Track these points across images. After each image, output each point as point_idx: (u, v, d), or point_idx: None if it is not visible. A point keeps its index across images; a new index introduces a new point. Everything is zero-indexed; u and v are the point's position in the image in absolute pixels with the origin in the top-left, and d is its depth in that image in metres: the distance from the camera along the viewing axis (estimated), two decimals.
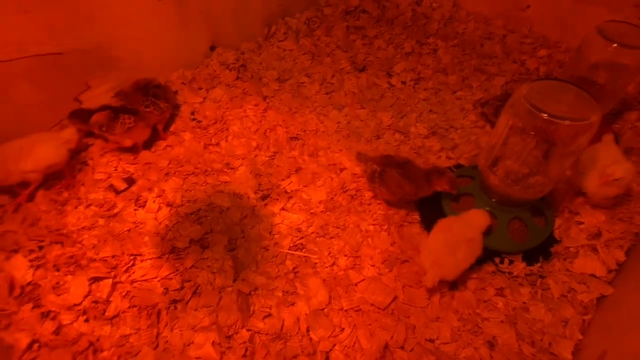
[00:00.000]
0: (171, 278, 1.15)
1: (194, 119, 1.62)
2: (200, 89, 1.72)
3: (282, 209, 1.35)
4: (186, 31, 1.70)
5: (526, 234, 1.23)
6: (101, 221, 1.27)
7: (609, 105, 1.44)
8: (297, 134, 1.58)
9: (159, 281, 1.15)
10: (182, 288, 1.14)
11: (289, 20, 2.07)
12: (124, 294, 1.12)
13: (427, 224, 1.26)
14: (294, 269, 1.20)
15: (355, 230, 1.30)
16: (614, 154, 1.24)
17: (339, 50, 1.98)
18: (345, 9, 2.20)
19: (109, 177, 1.39)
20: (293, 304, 1.13)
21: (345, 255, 1.24)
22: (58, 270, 1.16)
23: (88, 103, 1.51)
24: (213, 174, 1.43)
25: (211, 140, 1.54)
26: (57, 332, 1.05)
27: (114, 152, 1.46)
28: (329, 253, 1.24)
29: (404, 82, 1.83)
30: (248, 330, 1.07)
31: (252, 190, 1.38)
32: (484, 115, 1.65)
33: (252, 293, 1.14)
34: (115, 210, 1.30)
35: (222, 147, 1.52)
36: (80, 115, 1.41)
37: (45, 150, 1.27)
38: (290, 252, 1.24)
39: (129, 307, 1.10)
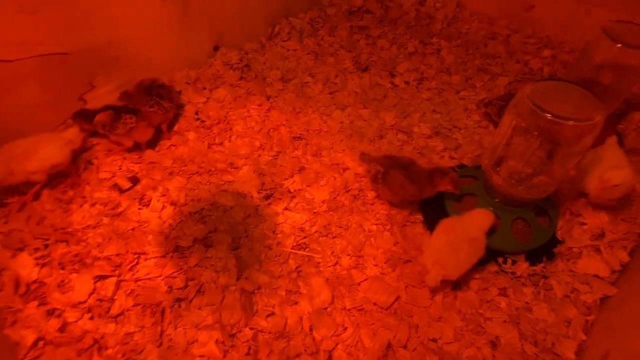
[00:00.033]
0: (175, 277, 1.16)
1: (197, 119, 1.63)
2: (204, 88, 1.73)
3: (285, 208, 1.35)
4: (190, 31, 1.71)
5: (529, 234, 1.23)
6: (106, 220, 1.28)
7: (613, 105, 1.44)
8: (301, 134, 1.59)
9: (163, 280, 1.16)
10: (186, 286, 1.15)
11: (293, 20, 2.08)
12: (128, 292, 1.13)
13: (430, 224, 1.26)
14: (297, 268, 1.21)
15: (358, 230, 1.30)
16: (616, 158, 1.23)
17: (343, 50, 1.98)
18: (348, 9, 2.20)
19: (113, 176, 1.40)
20: (296, 303, 1.13)
21: (348, 255, 1.24)
22: (63, 268, 1.17)
23: (92, 103, 1.52)
24: (217, 173, 1.44)
25: (215, 139, 1.55)
26: (62, 329, 1.06)
27: (118, 152, 1.47)
28: (332, 252, 1.25)
29: (407, 82, 1.83)
30: (251, 328, 1.08)
31: (255, 189, 1.38)
32: (487, 115, 1.65)
33: (256, 292, 1.15)
34: (120, 209, 1.31)
35: (226, 147, 1.53)
36: (85, 115, 1.42)
37: (49, 151, 1.28)
38: (293, 251, 1.24)
39: (133, 305, 1.11)
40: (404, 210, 1.35)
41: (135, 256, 1.20)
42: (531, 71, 1.89)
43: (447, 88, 1.81)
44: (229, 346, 1.04)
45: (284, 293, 1.15)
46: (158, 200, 1.33)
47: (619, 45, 1.29)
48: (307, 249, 1.25)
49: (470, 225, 1.14)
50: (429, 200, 1.29)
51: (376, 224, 1.32)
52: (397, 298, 1.15)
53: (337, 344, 1.07)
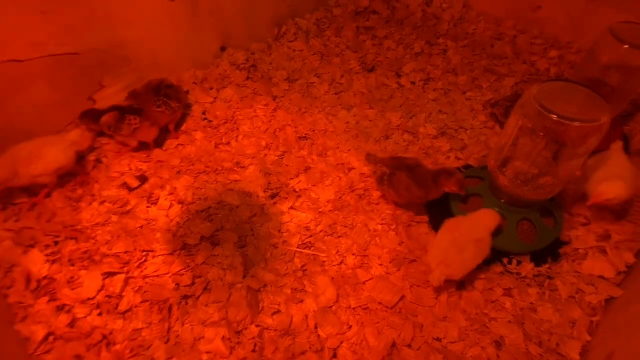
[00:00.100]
0: (182, 274, 1.18)
1: (205, 119, 1.64)
2: (211, 88, 1.75)
3: (291, 207, 1.36)
4: (197, 32, 1.72)
5: (535, 234, 1.23)
6: (114, 217, 1.30)
7: (620, 106, 1.43)
8: (306, 134, 1.60)
9: (170, 277, 1.17)
10: (192, 284, 1.16)
11: (299, 20, 2.09)
12: (136, 288, 1.15)
13: (435, 224, 1.27)
14: (302, 266, 1.22)
15: (363, 229, 1.31)
16: (616, 166, 1.21)
17: (349, 50, 1.99)
18: (355, 9, 2.20)
19: (122, 175, 1.42)
20: (301, 301, 1.15)
21: (353, 254, 1.25)
22: (72, 265, 1.18)
23: (102, 102, 1.54)
24: (223, 172, 1.45)
25: (222, 139, 1.57)
26: (71, 325, 1.08)
27: (126, 152, 1.49)
28: (337, 252, 1.25)
29: (413, 83, 1.84)
30: (257, 326, 1.09)
31: (261, 188, 1.40)
32: (493, 116, 1.65)
33: (261, 289, 1.16)
34: (128, 207, 1.33)
35: (232, 146, 1.54)
36: (92, 116, 1.44)
37: (52, 154, 1.28)
38: (298, 250, 1.25)
39: (141, 302, 1.12)
40: (409, 210, 1.36)
41: (143, 253, 1.21)
42: (538, 72, 1.89)
43: (453, 88, 1.81)
44: (235, 343, 1.06)
45: (289, 291, 1.16)
46: (166, 199, 1.35)
47: (626, 46, 1.29)
48: (312, 248, 1.26)
49: (476, 226, 1.14)
50: (435, 201, 1.30)
51: (381, 224, 1.33)
52: (402, 297, 1.16)
53: (341, 342, 1.08)
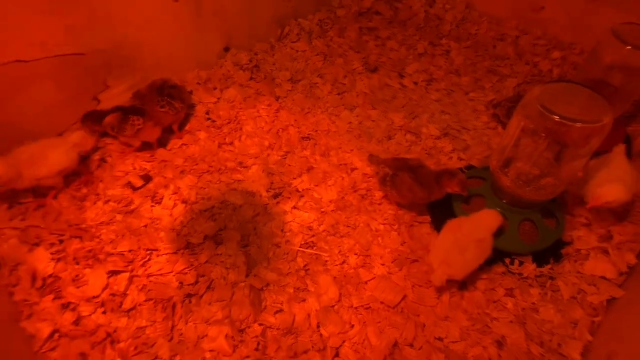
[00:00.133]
0: (186, 273, 1.19)
1: (208, 119, 1.65)
2: (215, 89, 1.76)
3: (294, 207, 1.37)
4: (201, 32, 1.73)
5: (537, 235, 1.23)
6: (119, 217, 1.31)
7: (622, 107, 1.43)
8: (309, 134, 1.61)
9: (174, 275, 1.18)
10: (196, 282, 1.17)
11: (302, 21, 2.09)
12: (140, 287, 1.16)
13: (438, 225, 1.27)
14: (305, 266, 1.23)
15: (365, 229, 1.31)
16: (617, 169, 1.21)
17: (352, 51, 1.99)
18: (358, 10, 2.21)
19: (126, 174, 1.43)
20: (304, 300, 1.15)
21: (356, 254, 1.25)
22: (77, 263, 1.20)
23: (106, 102, 1.56)
24: (227, 172, 1.46)
25: (225, 139, 1.58)
26: (76, 322, 1.09)
27: (129, 152, 1.50)
28: (340, 251, 1.26)
29: (416, 83, 1.84)
30: (260, 324, 1.10)
31: (264, 188, 1.40)
32: (496, 117, 1.66)
33: (264, 289, 1.17)
34: (133, 207, 1.34)
35: (236, 146, 1.55)
36: (94, 118, 1.44)
37: (56, 156, 1.29)
38: (301, 249, 1.26)
39: (145, 300, 1.13)
40: (411, 210, 1.37)
41: (148, 252, 1.23)
42: (540, 73, 1.89)
43: (456, 89, 1.82)
44: (238, 341, 1.06)
45: (292, 290, 1.17)
46: (170, 198, 1.36)
47: (629, 47, 1.29)
48: (314, 248, 1.27)
49: (478, 226, 1.14)
50: (437, 201, 1.30)
51: (384, 224, 1.33)
52: (404, 297, 1.16)
53: (344, 341, 1.08)
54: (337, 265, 1.23)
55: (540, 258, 1.22)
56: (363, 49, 2.00)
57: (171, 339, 1.08)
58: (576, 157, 1.10)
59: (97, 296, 1.13)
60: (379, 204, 1.39)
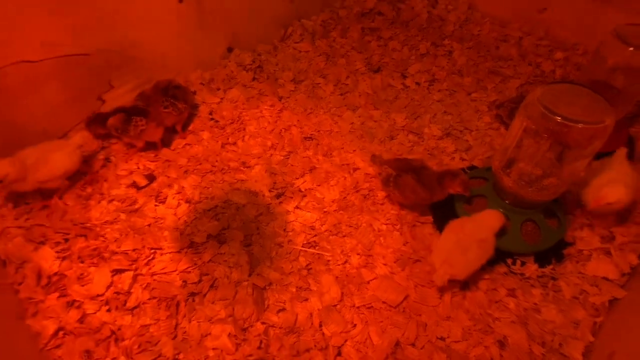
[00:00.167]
0: (189, 271, 1.20)
1: (212, 119, 1.66)
2: (218, 89, 1.77)
3: (296, 207, 1.38)
4: (205, 33, 1.74)
5: (539, 235, 1.23)
6: (123, 216, 1.32)
7: (625, 108, 1.43)
8: (312, 134, 1.61)
9: (177, 274, 1.19)
10: (200, 281, 1.18)
11: (305, 22, 2.10)
12: (144, 285, 1.17)
13: (440, 225, 1.28)
14: (307, 265, 1.23)
15: (367, 229, 1.32)
16: (619, 171, 1.21)
17: (354, 51, 2.00)
18: (360, 11, 2.22)
19: (130, 174, 1.44)
20: (306, 300, 1.16)
21: (358, 254, 1.26)
22: (82, 261, 1.21)
23: (111, 102, 1.57)
24: (230, 172, 1.47)
25: (228, 139, 1.59)
26: (81, 320, 1.10)
27: (133, 153, 1.51)
28: (342, 251, 1.27)
29: (418, 84, 1.85)
30: (263, 323, 1.11)
31: (267, 188, 1.41)
32: (498, 117, 1.66)
33: (267, 288, 1.18)
34: (137, 206, 1.35)
35: (239, 147, 1.56)
36: (98, 121, 1.46)
37: (59, 159, 1.29)
38: (303, 249, 1.27)
39: (149, 299, 1.14)
40: (414, 210, 1.37)
41: (152, 251, 1.24)
42: (543, 73, 1.89)
43: (459, 90, 1.82)
44: (241, 340, 1.07)
45: (294, 289, 1.18)
46: (173, 198, 1.37)
47: (631, 48, 1.29)
48: (317, 247, 1.28)
49: (480, 226, 1.14)
50: (439, 202, 1.30)
51: (386, 224, 1.34)
52: (406, 297, 1.17)
53: (346, 340, 1.09)
54: (339, 264, 1.24)
55: (543, 258, 1.22)
56: (365, 50, 2.01)
57: (175, 337, 1.08)
58: (578, 157, 1.10)
59: (102, 294, 1.14)
60: (382, 204, 1.39)
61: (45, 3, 1.28)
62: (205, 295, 1.16)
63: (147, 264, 1.21)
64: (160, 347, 1.06)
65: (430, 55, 2.00)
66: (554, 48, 1.99)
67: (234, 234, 1.28)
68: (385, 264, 1.24)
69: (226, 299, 1.14)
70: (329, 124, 1.65)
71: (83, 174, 1.41)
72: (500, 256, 1.20)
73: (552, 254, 1.23)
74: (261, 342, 1.07)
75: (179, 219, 1.32)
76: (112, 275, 1.17)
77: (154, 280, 1.18)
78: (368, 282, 1.20)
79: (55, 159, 1.29)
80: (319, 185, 1.44)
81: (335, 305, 1.15)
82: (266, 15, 1.93)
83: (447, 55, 2.00)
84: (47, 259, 1.19)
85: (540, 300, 1.16)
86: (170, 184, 1.42)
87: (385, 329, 1.11)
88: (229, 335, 1.07)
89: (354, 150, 1.55)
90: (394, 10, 2.24)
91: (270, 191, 1.41)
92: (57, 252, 1.21)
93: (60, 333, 1.08)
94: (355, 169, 1.49)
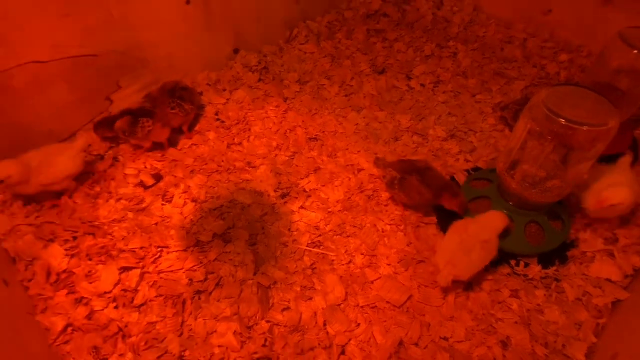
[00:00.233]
0: (195, 270, 1.21)
1: (217, 119, 1.68)
2: (224, 90, 1.78)
3: (301, 207, 1.39)
4: (211, 34, 1.76)
5: (542, 237, 1.24)
6: (130, 214, 1.34)
7: (630, 110, 1.43)
8: (316, 135, 1.63)
9: (184, 272, 1.21)
10: (205, 279, 1.19)
11: (310, 23, 2.12)
12: (151, 283, 1.18)
13: (444, 226, 1.28)
14: (311, 265, 1.24)
15: (371, 229, 1.33)
16: (621, 175, 1.21)
17: (359, 53, 2.01)
18: (366, 12, 2.23)
19: (138, 173, 1.46)
20: (310, 299, 1.17)
21: (362, 254, 1.27)
22: (90, 259, 1.23)
23: (119, 102, 1.59)
24: (235, 172, 1.49)
25: (234, 139, 1.60)
26: (89, 317, 1.12)
27: (140, 154, 1.53)
28: (346, 251, 1.28)
29: (423, 85, 1.85)
30: (267, 321, 1.12)
31: (272, 188, 1.43)
32: (503, 119, 1.66)
33: (272, 286, 1.19)
34: (144, 205, 1.37)
35: (244, 147, 1.58)
36: (105, 125, 1.47)
37: (61, 162, 1.30)
38: (308, 248, 1.28)
39: (156, 296, 1.16)
40: (418, 211, 1.38)
41: (158, 249, 1.25)
42: (548, 75, 1.89)
43: (463, 91, 1.83)
44: (246, 337, 1.09)
45: (298, 288, 1.19)
46: (180, 197, 1.39)
47: (635, 51, 1.29)
48: (321, 247, 1.29)
49: (484, 227, 1.15)
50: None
51: (390, 224, 1.35)
52: (410, 297, 1.18)
53: (350, 339, 1.10)
54: (343, 264, 1.25)
55: (546, 260, 1.23)
56: (370, 51, 2.02)
57: (181, 334, 1.10)
58: (582, 159, 1.10)
59: (109, 291, 1.16)
60: (386, 204, 1.40)
61: (55, 5, 1.30)
62: (210, 293, 1.17)
63: (153, 262, 1.23)
64: (167, 344, 1.07)
65: (435, 56, 2.00)
66: (558, 50, 1.99)
67: (239, 233, 1.30)
68: (389, 264, 1.25)
69: (231, 297, 1.16)
70: (334, 124, 1.66)
71: (91, 173, 1.43)
72: (503, 257, 1.21)
73: (555, 255, 1.24)
74: (266, 340, 1.09)
75: (185, 217, 1.34)
76: (120, 273, 1.19)
77: (161, 278, 1.20)
78: (372, 282, 1.21)
79: (58, 162, 1.30)
80: (323, 186, 1.45)
81: (339, 305, 1.16)
82: (272, 16, 1.95)
83: (451, 56, 2.01)
84: (56, 257, 1.21)
85: (543, 301, 1.16)
86: (177, 183, 1.43)
87: (389, 328, 1.12)
88: (234, 332, 1.08)
89: (359, 151, 1.56)
90: (399, 12, 2.25)
91: (275, 191, 1.42)
92: (66, 249, 1.23)
93: (69, 329, 1.10)
94: (359, 170, 1.50)
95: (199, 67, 1.81)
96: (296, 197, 1.41)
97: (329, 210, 1.38)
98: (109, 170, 1.47)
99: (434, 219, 1.36)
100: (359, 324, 1.13)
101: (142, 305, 1.15)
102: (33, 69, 1.35)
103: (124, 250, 1.24)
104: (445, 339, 1.11)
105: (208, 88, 1.78)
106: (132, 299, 1.15)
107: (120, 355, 1.06)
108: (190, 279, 1.19)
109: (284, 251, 1.27)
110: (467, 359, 1.07)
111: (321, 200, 1.41)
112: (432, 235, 1.32)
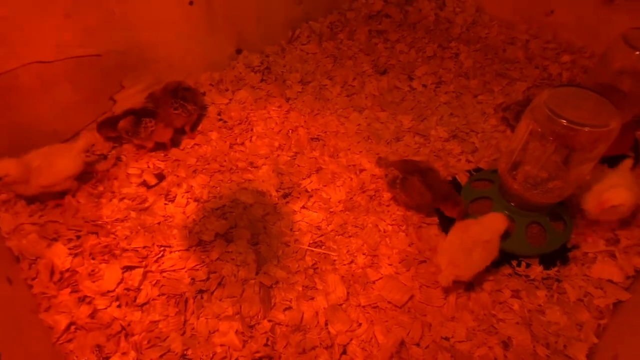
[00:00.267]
0: (198, 269, 1.22)
1: (220, 119, 1.68)
2: (227, 90, 1.79)
3: (303, 207, 1.39)
4: (214, 35, 1.77)
5: (544, 238, 1.24)
6: (133, 214, 1.34)
7: (632, 112, 1.43)
8: (318, 135, 1.63)
9: (186, 272, 1.21)
10: (207, 279, 1.20)
11: (313, 24, 2.12)
12: (153, 282, 1.19)
13: (445, 226, 1.29)
14: (313, 265, 1.25)
15: (373, 229, 1.33)
16: (621, 178, 1.21)
17: (361, 53, 2.01)
18: (368, 13, 2.23)
19: (141, 173, 1.46)
20: (312, 298, 1.18)
21: (364, 254, 1.27)
22: (94, 258, 1.23)
23: (122, 102, 1.60)
24: (238, 172, 1.49)
25: (236, 139, 1.61)
26: (92, 315, 1.13)
27: (143, 154, 1.53)
28: (348, 251, 1.28)
29: (425, 86, 1.86)
30: (269, 321, 1.13)
31: (274, 188, 1.43)
32: (505, 120, 1.66)
33: (274, 286, 1.20)
34: (147, 204, 1.38)
35: (247, 147, 1.58)
36: (109, 125, 1.48)
37: (61, 163, 1.30)
38: (310, 248, 1.28)
39: (159, 295, 1.17)
40: (419, 212, 1.38)
41: (161, 249, 1.26)
42: (550, 76, 1.89)
43: (465, 92, 1.83)
44: (248, 337, 1.09)
45: (300, 288, 1.19)
46: (182, 197, 1.40)
47: (638, 52, 1.29)
48: (323, 247, 1.29)
49: (485, 228, 1.15)
50: None
51: (391, 225, 1.35)
52: (411, 297, 1.18)
53: (351, 339, 1.10)
54: (345, 264, 1.25)
55: (548, 261, 1.23)
56: (373, 52, 2.02)
57: (183, 333, 1.11)
58: (584, 161, 1.10)
59: (112, 290, 1.17)
60: (387, 205, 1.41)
61: (60, 5, 1.31)
62: (213, 292, 1.18)
63: (156, 261, 1.24)
64: (169, 343, 1.08)
65: (437, 57, 2.01)
66: (561, 51, 1.99)
67: (242, 232, 1.30)
68: (390, 264, 1.25)
69: (233, 296, 1.16)
70: (336, 125, 1.67)
71: (94, 173, 1.44)
72: (505, 258, 1.21)
73: (557, 256, 1.24)
74: (268, 339, 1.09)
75: (188, 217, 1.35)
76: (123, 272, 1.19)
77: (163, 277, 1.20)
78: (373, 282, 1.22)
79: (58, 163, 1.30)
80: (325, 186, 1.45)
81: (340, 305, 1.17)
82: (274, 17, 1.95)
83: (454, 57, 2.01)
84: (60, 256, 1.21)
85: (544, 302, 1.17)
86: (180, 183, 1.44)
87: (391, 328, 1.12)
88: (236, 332, 1.09)
89: (360, 152, 1.56)
90: (401, 13, 2.25)
91: (277, 191, 1.43)
92: (69, 248, 1.24)
93: (72, 328, 1.11)
94: (361, 170, 1.51)
95: (202, 67, 1.82)
96: (298, 197, 1.42)
97: (331, 210, 1.38)
98: (112, 170, 1.48)
99: (435, 219, 1.36)
100: (360, 324, 1.13)
101: (144, 304, 1.15)
102: (37, 69, 1.36)
103: (127, 250, 1.25)
104: (447, 339, 1.11)
105: (211, 88, 1.79)
106: (135, 298, 1.16)
107: (123, 353, 1.06)
108: (193, 278, 1.20)
109: (285, 251, 1.28)
110: (468, 359, 1.07)
111: (323, 200, 1.41)
112: (434, 236, 1.32)
